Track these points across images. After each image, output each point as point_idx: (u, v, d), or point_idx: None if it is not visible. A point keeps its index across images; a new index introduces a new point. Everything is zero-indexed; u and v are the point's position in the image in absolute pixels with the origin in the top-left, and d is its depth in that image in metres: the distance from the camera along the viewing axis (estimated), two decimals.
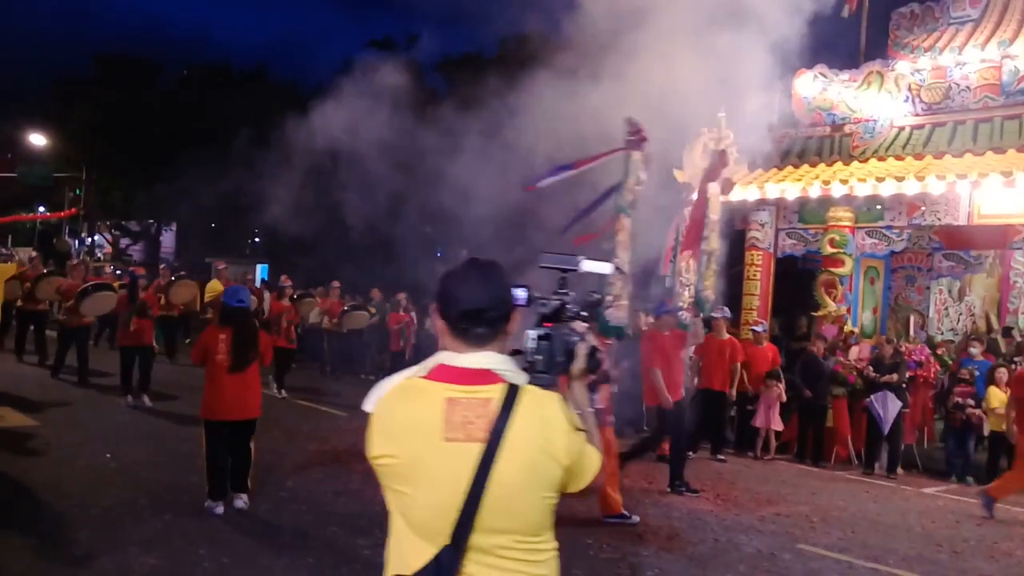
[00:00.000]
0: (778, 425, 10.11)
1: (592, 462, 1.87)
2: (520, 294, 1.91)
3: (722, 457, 9.65)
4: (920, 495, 8.64)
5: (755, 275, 12.83)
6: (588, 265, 2.06)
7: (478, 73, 15.55)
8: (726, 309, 10.19)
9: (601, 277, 1.96)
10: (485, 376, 1.80)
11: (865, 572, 5.55)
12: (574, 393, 1.93)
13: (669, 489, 7.61)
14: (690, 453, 8.97)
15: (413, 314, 14.39)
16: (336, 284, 15.01)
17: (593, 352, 1.93)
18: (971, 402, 9.38)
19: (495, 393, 1.77)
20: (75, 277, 11.98)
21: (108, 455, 7.15)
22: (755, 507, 7.27)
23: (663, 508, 6.88)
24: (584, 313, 2.00)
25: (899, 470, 9.67)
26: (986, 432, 9.21)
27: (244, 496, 5.93)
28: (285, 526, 5.68)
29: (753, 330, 10.98)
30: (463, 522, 1.73)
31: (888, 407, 9.41)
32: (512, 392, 1.77)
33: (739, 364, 10.23)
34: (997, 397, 8.92)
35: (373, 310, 14.55)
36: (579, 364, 1.91)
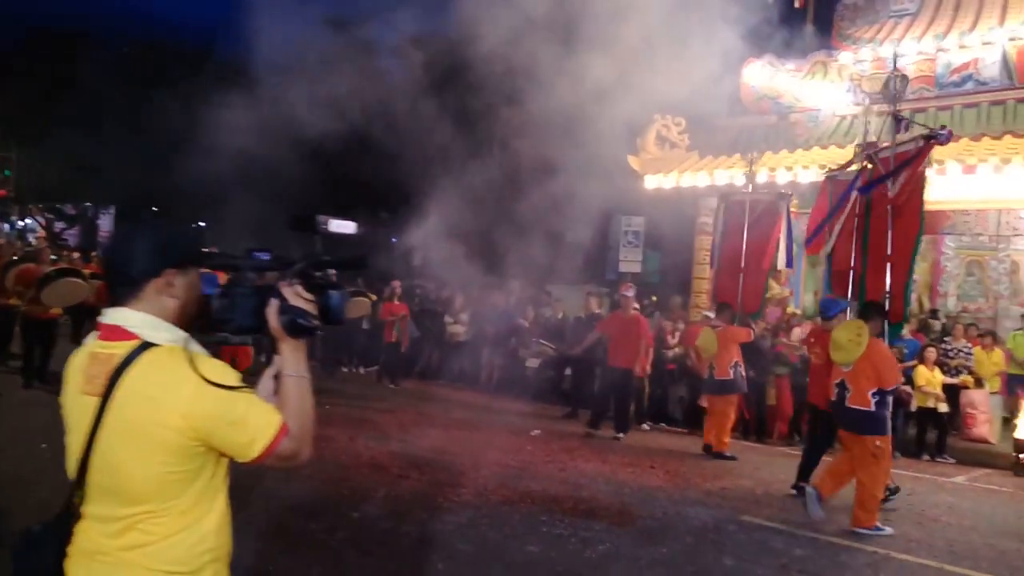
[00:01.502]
0: None
1: (260, 429, 1.75)
2: (263, 257, 1.89)
3: (620, 436, 9.58)
4: None
5: (704, 260, 13.22)
6: (334, 225, 1.97)
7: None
8: (632, 287, 10.30)
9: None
10: (117, 332, 1.78)
11: (804, 540, 5.90)
12: (282, 354, 1.85)
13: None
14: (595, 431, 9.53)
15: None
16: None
17: (290, 311, 1.81)
18: (901, 379, 9.92)
19: (121, 349, 1.75)
20: (40, 261, 10.39)
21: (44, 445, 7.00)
22: (702, 482, 7.63)
23: (614, 485, 7.17)
24: (320, 273, 1.89)
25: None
26: (914, 408, 9.78)
27: None
28: (235, 511, 5.75)
29: (704, 315, 11.34)
30: (78, 479, 1.76)
31: None
32: (139, 349, 1.74)
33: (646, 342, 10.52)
34: (924, 375, 9.48)
35: (375, 296, 13.62)
36: (272, 324, 1.83)
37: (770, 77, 13.25)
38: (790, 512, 6.72)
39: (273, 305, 1.83)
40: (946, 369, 10.31)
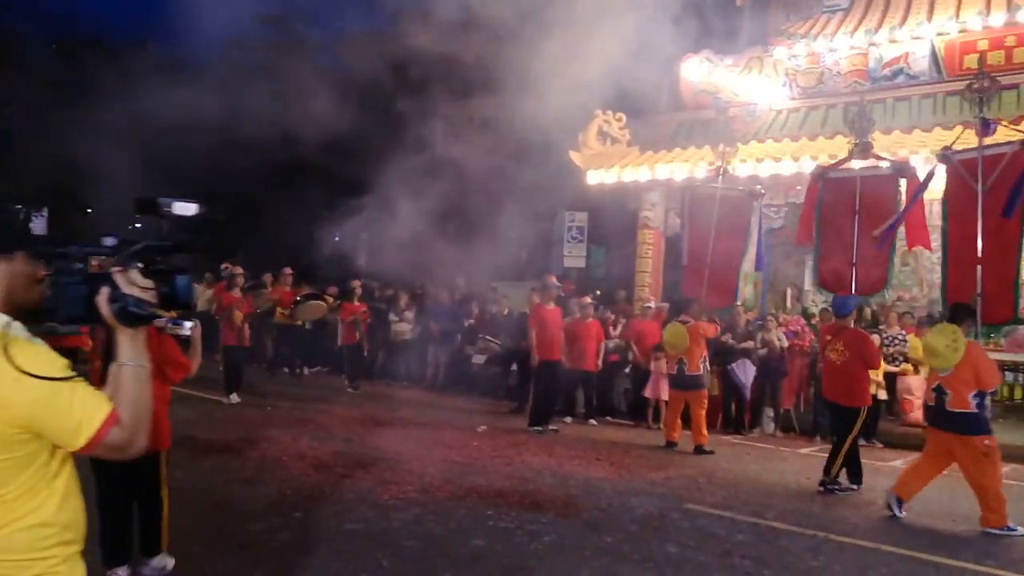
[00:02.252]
0: (667, 395, 10.58)
1: (86, 418, 1.70)
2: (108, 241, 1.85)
3: (541, 428, 9.52)
4: (796, 455, 9.30)
5: (647, 253, 13.35)
6: (177, 207, 1.95)
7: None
8: (554, 279, 10.28)
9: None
10: None
11: (746, 526, 5.98)
12: (118, 343, 1.80)
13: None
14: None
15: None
16: (288, 271, 13.58)
17: (121, 299, 1.76)
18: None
19: None
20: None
21: None
22: (647, 472, 7.68)
23: (560, 478, 7.18)
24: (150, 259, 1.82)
25: (776, 432, 10.45)
26: None
27: (156, 560, 4.43)
28: (175, 514, 5.57)
29: (644, 306, 11.44)
30: None
31: (748, 372, 10.14)
32: None
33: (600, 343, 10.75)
34: None
35: (331, 299, 13.38)
36: (104, 312, 1.77)
37: (708, 72, 13.43)
38: (733, 499, 6.81)
39: (103, 293, 1.76)
40: (883, 357, 10.58)
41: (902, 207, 7.92)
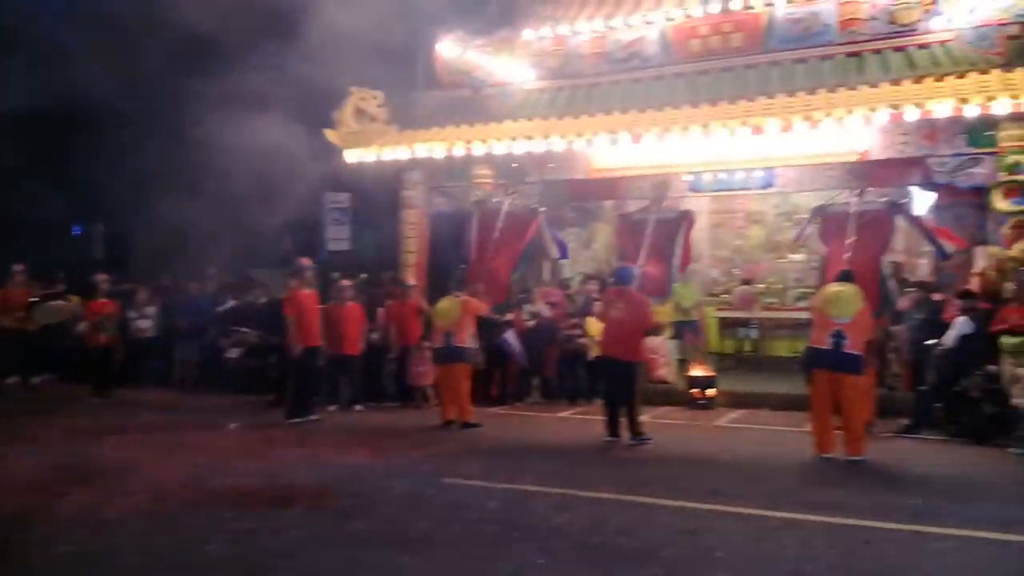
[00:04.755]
0: (428, 379, 10.60)
1: None
2: None
3: (301, 419, 9.18)
4: (556, 419, 9.71)
5: (411, 233, 13.23)
6: None
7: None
8: (308, 261, 10.01)
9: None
10: None
11: (499, 493, 6.07)
12: None
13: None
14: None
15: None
16: (20, 267, 11.97)
17: None
18: (578, 332, 10.81)
19: None
20: None
21: None
22: (408, 452, 7.62)
23: (315, 468, 6.91)
24: None
25: (538, 398, 10.90)
26: (591, 357, 10.58)
27: None
28: None
29: (404, 286, 11.35)
30: None
31: (517, 342, 10.50)
32: None
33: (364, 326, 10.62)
34: (594, 327, 10.36)
35: (75, 298, 11.99)
36: None
37: (462, 52, 13.51)
38: (491, 469, 6.91)
39: None
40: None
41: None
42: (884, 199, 9.32)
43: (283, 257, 14.81)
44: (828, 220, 8.90)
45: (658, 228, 10.08)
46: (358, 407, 10.48)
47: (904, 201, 9.10)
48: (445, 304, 9.39)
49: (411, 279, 12.05)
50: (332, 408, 10.26)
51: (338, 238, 15.01)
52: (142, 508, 5.60)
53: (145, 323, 12.34)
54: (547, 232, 10.47)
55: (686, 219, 10.32)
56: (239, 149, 15.11)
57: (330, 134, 13.12)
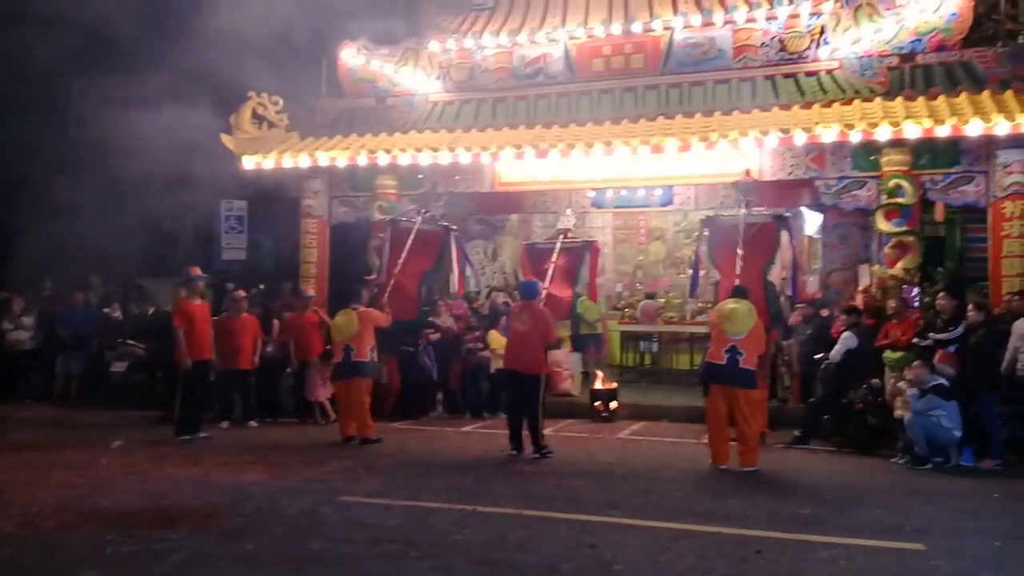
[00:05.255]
0: (327, 394, 10.32)
1: None
2: None
3: (190, 436, 8.83)
4: (459, 433, 9.60)
5: (311, 243, 12.93)
6: None
7: None
8: (198, 271, 9.56)
9: None
10: None
11: (400, 509, 5.93)
12: None
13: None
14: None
15: None
16: None
17: None
18: (480, 345, 10.80)
19: None
20: None
21: None
22: (303, 469, 7.35)
23: (203, 487, 6.57)
24: None
25: (441, 412, 10.79)
26: (493, 370, 10.64)
27: None
28: None
29: (303, 297, 11.03)
30: None
31: (431, 355, 10.38)
32: None
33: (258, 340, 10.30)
34: (496, 339, 10.38)
35: None
36: None
37: (366, 61, 13.33)
38: (390, 485, 6.76)
39: None
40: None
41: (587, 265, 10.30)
42: (770, 211, 9.56)
43: (175, 266, 14.20)
44: (717, 232, 9.03)
45: (563, 257, 10.20)
46: (252, 423, 10.08)
47: (789, 215, 9.41)
48: (342, 318, 9.11)
49: (311, 290, 11.75)
50: (224, 425, 9.84)
51: (234, 247, 14.47)
52: (12, 533, 5.18)
53: (22, 334, 11.55)
54: (460, 250, 10.45)
55: (590, 249, 10.43)
56: (129, 151, 14.44)
57: (227, 139, 12.70)
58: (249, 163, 12.45)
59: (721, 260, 8.89)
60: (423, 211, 10.66)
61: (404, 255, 9.84)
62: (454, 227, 10.60)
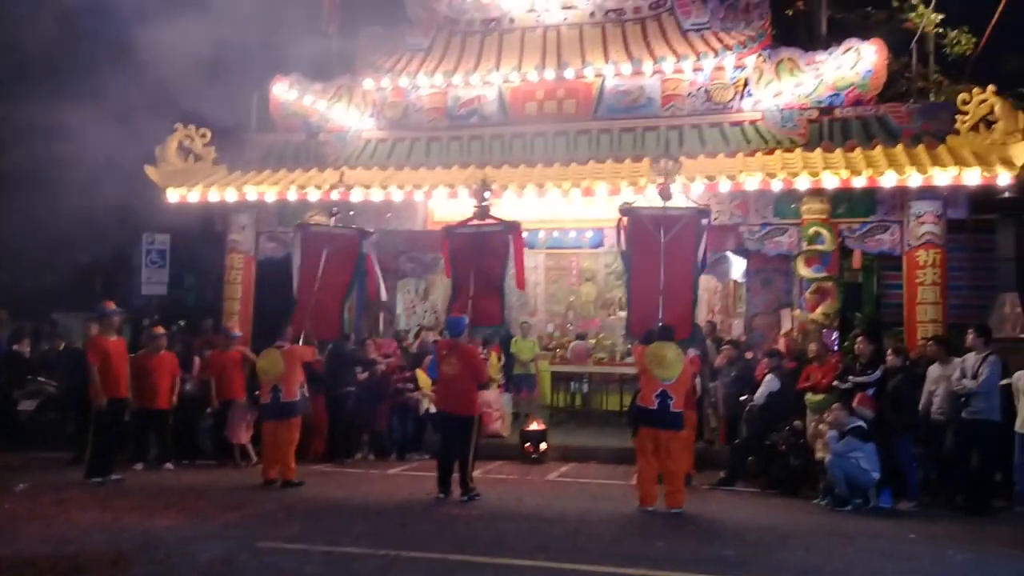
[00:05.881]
0: (249, 435, 10.03)
1: None
2: None
3: (102, 479, 8.43)
4: (384, 476, 9.39)
5: (236, 279, 12.63)
6: None
7: None
8: (112, 306, 9.16)
9: None
10: None
11: (319, 556, 5.73)
12: None
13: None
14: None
15: None
16: None
17: None
18: (410, 386, 10.68)
19: None
20: None
21: None
22: (220, 514, 7.06)
23: (113, 533, 6.25)
24: None
25: (370, 455, 10.55)
26: (422, 411, 10.56)
27: None
28: None
29: (227, 336, 10.71)
30: None
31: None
32: None
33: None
34: (424, 380, 10.29)
35: None
36: None
37: (298, 96, 13.22)
38: (311, 530, 6.55)
39: None
40: None
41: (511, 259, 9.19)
42: (691, 206, 8.84)
43: (93, 300, 13.67)
44: (635, 224, 8.48)
45: (486, 246, 9.24)
46: (168, 465, 9.66)
47: (711, 209, 9.18)
48: (265, 361, 8.88)
49: (235, 328, 11.43)
50: (138, 467, 9.44)
51: (155, 281, 14.01)
52: None
53: None
54: (373, 258, 9.93)
55: (513, 232, 9.39)
56: (47, 182, 13.92)
57: (151, 171, 12.39)
58: (173, 196, 12.14)
59: (639, 256, 8.47)
60: (334, 211, 10.11)
61: (321, 266, 9.35)
62: (370, 231, 10.19)
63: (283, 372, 8.71)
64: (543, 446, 10.53)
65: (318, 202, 11.80)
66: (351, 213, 11.91)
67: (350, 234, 9.86)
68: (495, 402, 11.46)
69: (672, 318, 8.11)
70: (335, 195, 11.54)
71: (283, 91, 13.33)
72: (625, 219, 8.55)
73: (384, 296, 10.65)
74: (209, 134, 12.87)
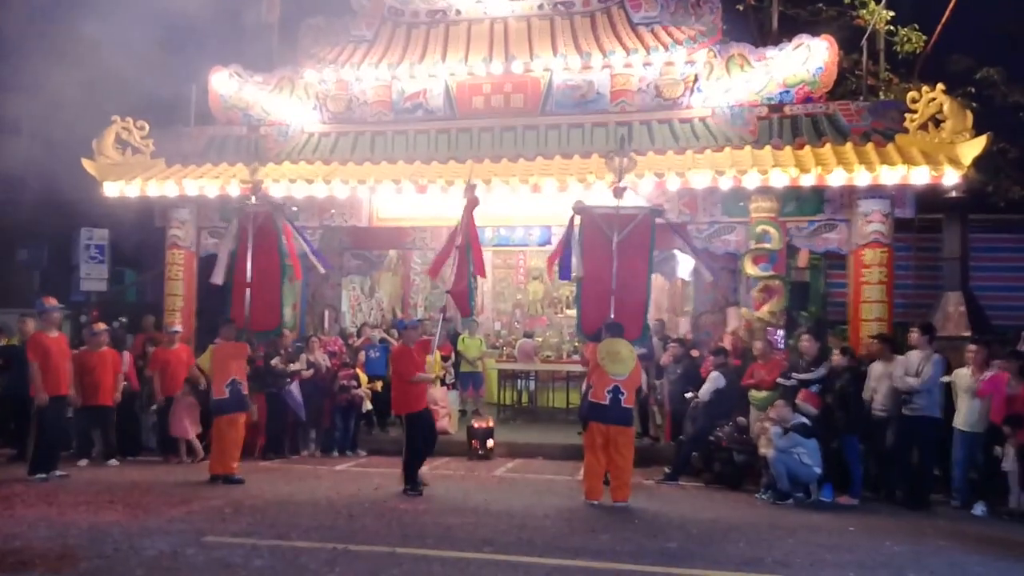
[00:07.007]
0: (195, 430, 9.87)
1: None
2: None
3: (45, 475, 8.30)
4: (333, 472, 9.30)
5: (177, 275, 12.31)
6: None
7: None
8: (53, 301, 8.99)
9: None
10: None
11: (267, 550, 5.67)
12: None
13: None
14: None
15: None
16: None
17: None
18: (355, 383, 10.61)
19: None
20: None
21: None
22: (166, 509, 6.95)
23: (59, 528, 6.11)
24: None
25: (317, 452, 10.45)
26: (365, 409, 10.61)
27: None
28: None
29: (168, 331, 10.49)
30: None
31: (298, 393, 10.07)
32: None
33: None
34: (365, 377, 10.32)
35: None
36: None
37: (238, 88, 12.91)
38: (258, 525, 6.47)
39: None
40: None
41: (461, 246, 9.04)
42: (644, 205, 8.86)
43: (31, 297, 13.24)
44: (588, 222, 8.50)
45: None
46: (113, 462, 9.48)
47: (665, 209, 9.31)
48: (203, 356, 9.00)
49: (177, 325, 11.18)
50: (82, 463, 9.27)
51: (94, 277, 13.61)
52: None
53: None
54: (293, 231, 9.77)
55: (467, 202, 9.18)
56: None
57: (88, 164, 12.00)
58: (112, 189, 11.78)
59: (591, 258, 8.45)
60: (255, 190, 9.88)
61: (249, 252, 9.19)
62: (289, 204, 9.95)
63: (212, 369, 8.76)
64: (490, 443, 10.55)
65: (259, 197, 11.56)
66: (294, 209, 11.81)
67: (264, 211, 9.58)
68: (442, 399, 11.45)
69: (623, 317, 8.20)
70: (277, 191, 11.31)
71: (222, 82, 12.96)
72: (577, 217, 8.58)
73: (323, 270, 10.57)
74: (147, 126, 12.50)
